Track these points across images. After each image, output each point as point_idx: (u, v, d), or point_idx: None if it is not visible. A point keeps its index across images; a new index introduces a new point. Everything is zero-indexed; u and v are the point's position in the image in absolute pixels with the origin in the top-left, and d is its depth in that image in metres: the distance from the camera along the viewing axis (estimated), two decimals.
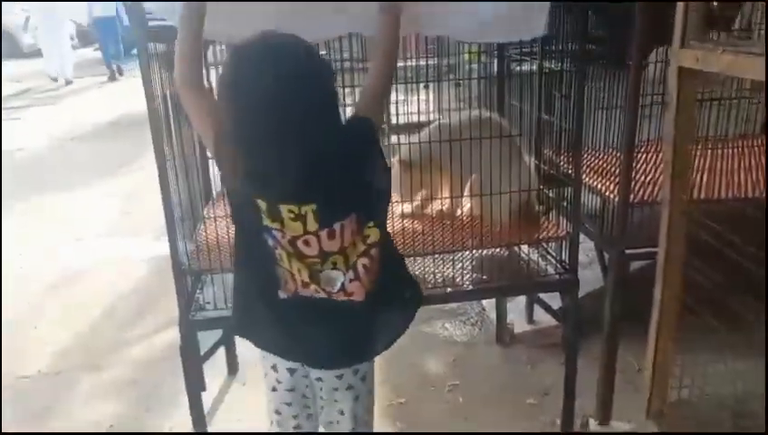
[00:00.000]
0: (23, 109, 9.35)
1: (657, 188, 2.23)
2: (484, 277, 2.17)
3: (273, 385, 1.69)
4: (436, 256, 2.19)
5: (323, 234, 1.41)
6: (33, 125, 8.38)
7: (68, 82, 11.20)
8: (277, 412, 1.72)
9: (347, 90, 2.15)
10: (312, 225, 1.40)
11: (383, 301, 1.53)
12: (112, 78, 11.52)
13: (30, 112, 9.15)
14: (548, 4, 1.77)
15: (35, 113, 9.10)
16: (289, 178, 1.35)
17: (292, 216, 1.39)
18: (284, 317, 1.53)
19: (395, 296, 1.59)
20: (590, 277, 2.81)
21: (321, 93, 1.36)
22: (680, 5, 1.08)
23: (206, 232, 2.19)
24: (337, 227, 1.41)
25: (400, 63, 3.23)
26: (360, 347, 1.60)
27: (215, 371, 2.72)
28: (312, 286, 1.46)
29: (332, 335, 1.54)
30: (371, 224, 1.45)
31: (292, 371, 1.64)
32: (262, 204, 1.40)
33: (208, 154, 2.36)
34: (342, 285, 1.45)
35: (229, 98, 1.34)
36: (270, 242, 1.44)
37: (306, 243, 1.42)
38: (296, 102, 1.29)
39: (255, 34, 1.34)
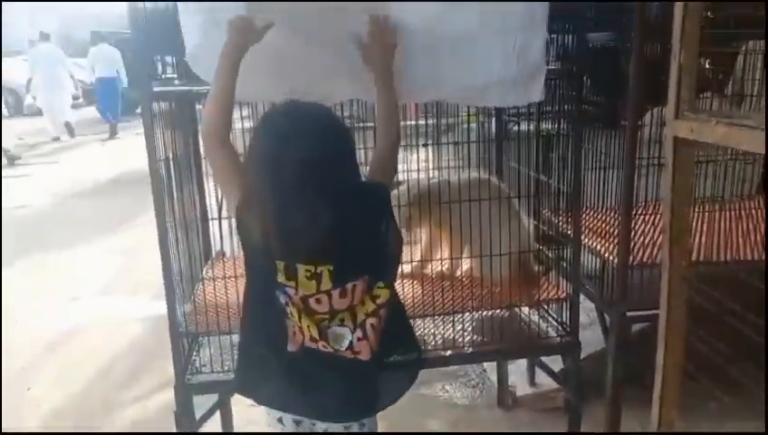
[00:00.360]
0: (25, 166, 9.44)
1: (656, 250, 2.23)
2: (485, 339, 2.15)
3: None
4: (436, 317, 2.18)
5: (336, 293, 1.46)
6: (35, 182, 8.46)
7: (70, 133, 11.62)
8: None
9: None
10: (326, 284, 1.45)
11: (386, 359, 1.57)
12: (113, 135, 11.88)
13: (32, 169, 9.24)
14: (544, 70, 1.82)
15: (37, 170, 9.19)
16: (310, 240, 1.41)
17: (308, 274, 1.44)
18: (292, 369, 1.54)
19: (400, 354, 1.62)
20: (592, 338, 2.78)
21: (344, 160, 1.45)
22: (673, 77, 1.11)
23: (204, 293, 2.18)
24: (349, 286, 1.46)
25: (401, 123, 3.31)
26: (367, 401, 1.61)
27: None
28: (321, 343, 1.49)
29: (340, 389, 1.56)
30: (381, 284, 1.50)
31: (298, 422, 1.64)
32: (280, 263, 1.44)
33: (209, 215, 2.37)
34: (350, 343, 1.49)
35: (258, 162, 1.42)
36: (282, 299, 1.47)
37: (318, 301, 1.46)
38: (322, 169, 1.39)
39: (283, 102, 1.46)
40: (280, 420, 1.65)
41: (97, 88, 12.03)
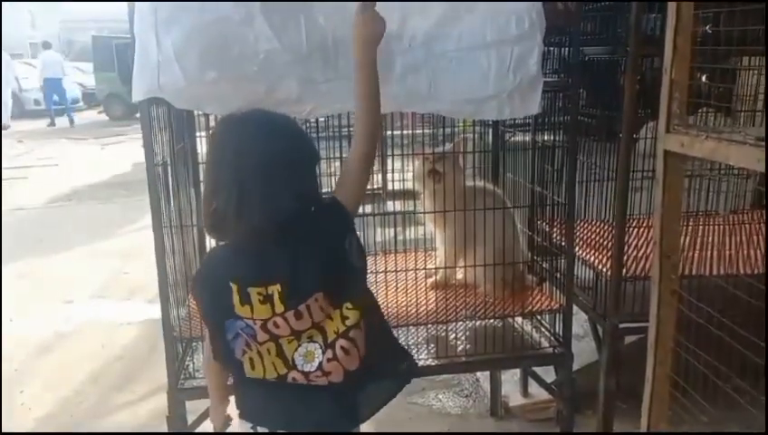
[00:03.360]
0: (25, 169, 9.46)
1: (649, 263, 2.24)
2: (478, 349, 2.15)
3: None
4: (430, 326, 2.19)
5: (290, 315, 1.40)
6: (33, 184, 8.46)
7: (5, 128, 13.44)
8: None
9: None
10: (279, 306, 1.39)
11: (369, 377, 1.50)
12: (52, 124, 14.33)
13: (30, 172, 9.25)
14: (541, 82, 1.83)
15: (36, 173, 9.20)
16: (259, 256, 1.37)
17: (260, 298, 1.39)
18: (266, 399, 1.51)
19: (384, 371, 1.56)
20: (585, 349, 2.79)
21: (295, 172, 1.38)
22: (665, 92, 1.13)
23: None
24: (303, 308, 1.40)
25: (397, 132, 3.32)
26: (344, 421, 1.55)
27: None
28: (291, 374, 1.44)
29: (314, 418, 1.50)
30: (350, 305, 1.43)
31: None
32: (233, 286, 1.39)
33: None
34: (320, 364, 1.43)
35: (209, 167, 1.40)
36: (241, 334, 1.43)
37: (276, 325, 1.41)
38: (266, 178, 1.33)
39: (247, 109, 1.40)
40: (253, 428, 1.59)
41: (45, 87, 14.58)
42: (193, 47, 1.63)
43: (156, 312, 1.96)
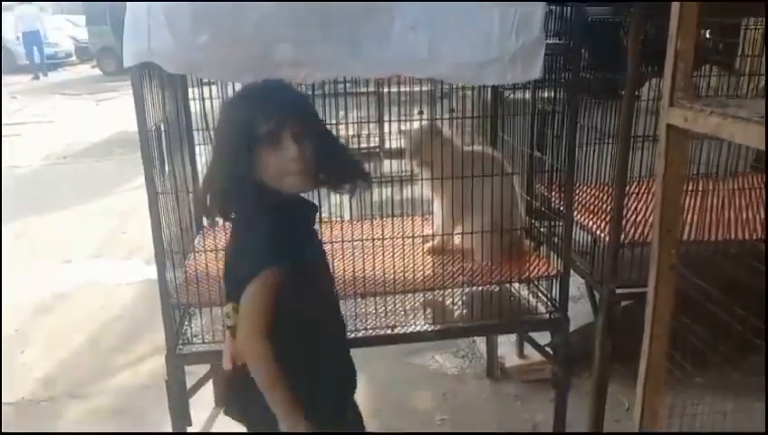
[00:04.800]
0: (19, 125, 9.35)
1: (648, 229, 2.23)
2: (474, 315, 2.16)
3: None
4: (427, 292, 2.19)
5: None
6: (28, 142, 8.38)
7: None
8: None
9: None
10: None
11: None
12: (36, 78, 14.65)
13: (25, 129, 9.15)
14: (543, 45, 1.78)
15: (30, 130, 9.10)
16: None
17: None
18: None
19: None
20: (581, 311, 2.81)
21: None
22: (669, 63, 1.09)
23: (195, 264, 2.17)
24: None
25: (394, 88, 3.26)
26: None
27: (203, 401, 2.68)
28: None
29: None
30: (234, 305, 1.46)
31: None
32: None
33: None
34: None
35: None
36: None
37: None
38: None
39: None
40: None
41: (24, 41, 14.81)
42: (184, 10, 1.59)
43: (154, 272, 1.94)
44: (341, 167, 1.54)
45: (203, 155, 2.22)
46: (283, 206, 1.41)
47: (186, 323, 2.12)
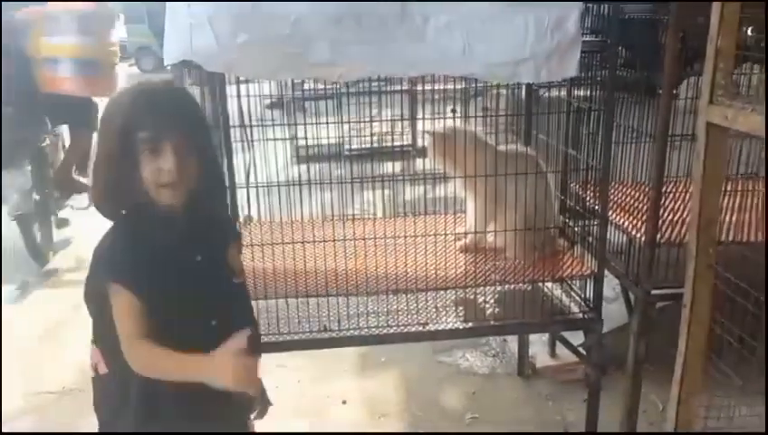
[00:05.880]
0: None
1: (685, 229, 2.20)
2: (507, 313, 2.16)
3: None
4: (459, 290, 2.19)
5: None
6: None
7: None
8: None
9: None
10: None
11: None
12: None
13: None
14: (580, 44, 1.77)
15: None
16: None
17: None
18: None
19: None
20: (615, 312, 2.78)
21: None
22: (709, 61, 1.08)
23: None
24: None
25: (427, 86, 3.26)
26: None
27: None
28: None
29: None
30: None
31: None
32: None
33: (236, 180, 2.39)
34: None
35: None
36: None
37: None
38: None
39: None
40: None
41: None
42: (224, 10, 1.62)
43: None
44: (209, 198, 1.47)
45: (239, 152, 2.27)
46: (153, 218, 1.36)
47: None
